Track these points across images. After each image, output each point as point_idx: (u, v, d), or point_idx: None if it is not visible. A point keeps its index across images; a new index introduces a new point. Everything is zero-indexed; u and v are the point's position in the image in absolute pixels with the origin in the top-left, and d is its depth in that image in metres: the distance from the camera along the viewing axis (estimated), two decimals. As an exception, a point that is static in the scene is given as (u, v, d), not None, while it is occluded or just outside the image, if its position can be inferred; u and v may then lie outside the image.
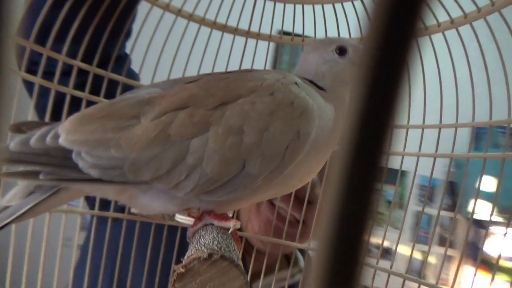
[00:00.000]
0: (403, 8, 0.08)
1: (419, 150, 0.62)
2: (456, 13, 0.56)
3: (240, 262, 0.38)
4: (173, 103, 0.43)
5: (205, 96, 0.43)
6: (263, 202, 0.78)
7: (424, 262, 0.58)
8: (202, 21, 0.67)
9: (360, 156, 0.10)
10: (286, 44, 0.71)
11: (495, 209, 0.54)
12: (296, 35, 0.70)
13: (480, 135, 0.59)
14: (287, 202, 0.74)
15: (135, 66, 0.71)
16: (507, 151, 0.52)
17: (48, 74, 0.57)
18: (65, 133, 0.42)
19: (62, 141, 0.41)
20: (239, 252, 0.44)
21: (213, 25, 0.68)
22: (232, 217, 0.55)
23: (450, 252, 2.04)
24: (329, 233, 0.10)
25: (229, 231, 0.45)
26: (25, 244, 0.56)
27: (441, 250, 0.62)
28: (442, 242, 2.14)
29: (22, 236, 0.56)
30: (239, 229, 0.66)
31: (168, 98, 0.44)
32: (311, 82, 0.50)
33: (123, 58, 0.67)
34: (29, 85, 0.60)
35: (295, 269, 0.82)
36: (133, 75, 0.68)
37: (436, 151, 0.61)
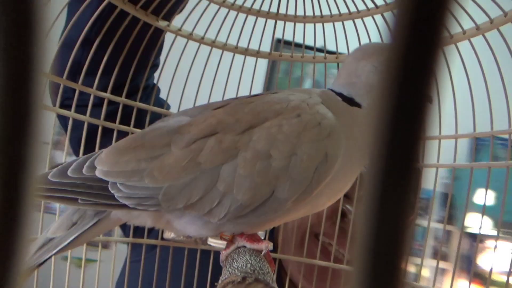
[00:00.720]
0: (426, 17, 0.08)
1: (438, 160, 0.60)
2: (481, 19, 0.55)
3: (275, 285, 0.38)
4: (202, 130, 0.44)
5: (232, 122, 0.44)
6: (312, 246, 0.69)
7: (417, 275, 0.56)
8: (224, 47, 0.69)
9: (391, 172, 0.10)
10: (308, 62, 0.72)
11: (493, 223, 0.54)
12: (318, 50, 0.70)
13: (479, 147, 0.57)
14: (344, 245, 0.67)
15: (163, 94, 0.73)
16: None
17: (80, 107, 0.60)
18: (100, 164, 0.43)
19: (98, 172, 0.43)
20: (273, 274, 0.43)
21: (235, 49, 0.69)
22: (264, 238, 0.54)
23: (444, 265, 1.99)
24: (363, 259, 0.10)
25: (262, 253, 0.45)
26: (65, 276, 0.58)
27: (435, 263, 0.60)
28: (436, 255, 2.07)
29: (59, 270, 0.57)
30: (273, 251, 0.65)
31: (197, 126, 0.44)
32: (346, 97, 0.48)
33: (151, 88, 0.69)
34: (62, 120, 0.62)
35: None
36: (161, 104, 0.70)
37: (454, 161, 0.59)
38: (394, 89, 0.09)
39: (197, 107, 0.51)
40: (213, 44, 0.68)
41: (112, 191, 0.42)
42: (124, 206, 0.43)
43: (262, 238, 0.50)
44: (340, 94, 0.49)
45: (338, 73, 0.52)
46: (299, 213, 0.48)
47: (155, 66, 0.70)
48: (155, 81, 0.71)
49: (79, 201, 0.42)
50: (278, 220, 0.47)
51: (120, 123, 0.63)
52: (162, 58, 0.69)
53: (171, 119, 0.48)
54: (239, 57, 0.70)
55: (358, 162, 0.46)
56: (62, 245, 0.44)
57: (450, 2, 0.08)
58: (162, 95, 0.73)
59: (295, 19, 0.67)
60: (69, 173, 0.43)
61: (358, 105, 0.48)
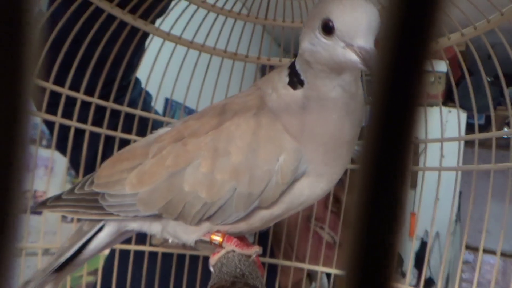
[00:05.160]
0: (416, 24, 0.08)
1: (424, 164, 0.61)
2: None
3: (264, 289, 0.38)
4: (173, 137, 0.47)
5: (199, 126, 0.46)
6: (304, 229, 0.71)
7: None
8: (213, 51, 0.69)
9: (381, 174, 0.10)
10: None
11: None
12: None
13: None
14: (336, 229, 0.71)
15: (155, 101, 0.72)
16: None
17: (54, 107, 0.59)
18: (96, 179, 0.48)
19: (94, 186, 0.48)
20: (263, 278, 0.43)
21: (224, 53, 0.69)
22: (253, 243, 0.54)
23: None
24: (353, 262, 0.10)
25: (251, 258, 0.45)
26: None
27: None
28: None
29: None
30: (263, 255, 0.65)
31: (169, 134, 0.48)
32: (294, 75, 0.43)
33: (130, 86, 0.67)
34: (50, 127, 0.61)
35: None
36: (148, 99, 0.70)
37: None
38: (385, 92, 0.09)
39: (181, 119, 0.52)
40: (202, 48, 0.68)
41: (101, 202, 0.46)
42: (111, 214, 0.47)
43: (251, 242, 0.50)
44: (291, 70, 0.44)
45: None
46: (277, 213, 0.45)
47: (132, 66, 0.68)
48: (143, 86, 0.71)
49: (78, 214, 0.48)
50: (253, 221, 0.45)
51: (98, 125, 0.62)
52: (149, 62, 0.69)
53: (155, 132, 0.51)
54: (227, 62, 0.70)
55: (326, 157, 0.43)
56: (68, 253, 0.48)
57: (439, 9, 0.08)
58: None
59: (283, 23, 0.68)
60: (76, 190, 0.49)
61: (302, 82, 0.43)
